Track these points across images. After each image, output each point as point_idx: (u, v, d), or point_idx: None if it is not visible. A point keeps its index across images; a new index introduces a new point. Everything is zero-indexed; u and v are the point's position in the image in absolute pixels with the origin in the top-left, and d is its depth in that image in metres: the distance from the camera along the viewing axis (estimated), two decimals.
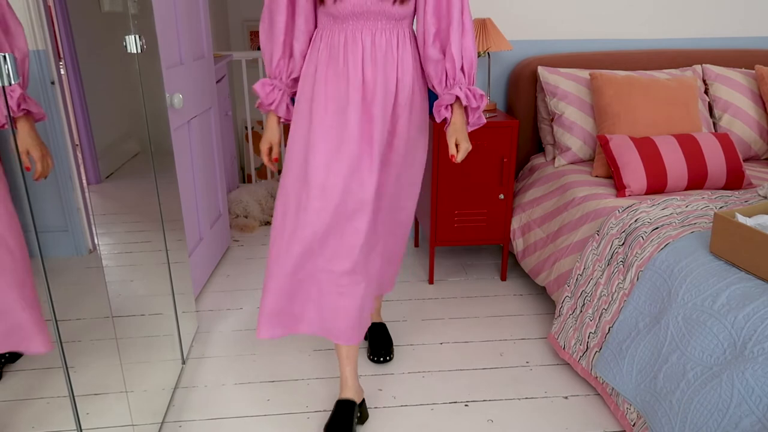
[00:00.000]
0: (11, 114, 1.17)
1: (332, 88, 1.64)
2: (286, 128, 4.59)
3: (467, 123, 1.72)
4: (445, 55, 1.67)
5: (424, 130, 1.81)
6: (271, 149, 1.81)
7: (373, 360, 2.12)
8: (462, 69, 1.66)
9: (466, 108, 1.71)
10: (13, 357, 1.80)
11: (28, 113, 1.23)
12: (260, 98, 1.75)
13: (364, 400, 1.85)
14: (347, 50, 1.62)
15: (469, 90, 1.66)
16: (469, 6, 1.67)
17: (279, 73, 1.74)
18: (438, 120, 1.73)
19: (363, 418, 1.83)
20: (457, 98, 1.67)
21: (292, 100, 1.80)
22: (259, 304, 1.86)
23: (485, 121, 1.75)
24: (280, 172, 4.29)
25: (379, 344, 2.13)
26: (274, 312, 1.73)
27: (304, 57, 1.72)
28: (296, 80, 1.75)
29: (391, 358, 2.13)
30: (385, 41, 1.62)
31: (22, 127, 1.24)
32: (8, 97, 1.12)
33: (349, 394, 1.81)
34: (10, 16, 1.19)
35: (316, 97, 1.65)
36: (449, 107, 1.70)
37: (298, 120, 1.70)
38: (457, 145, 1.69)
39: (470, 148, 1.70)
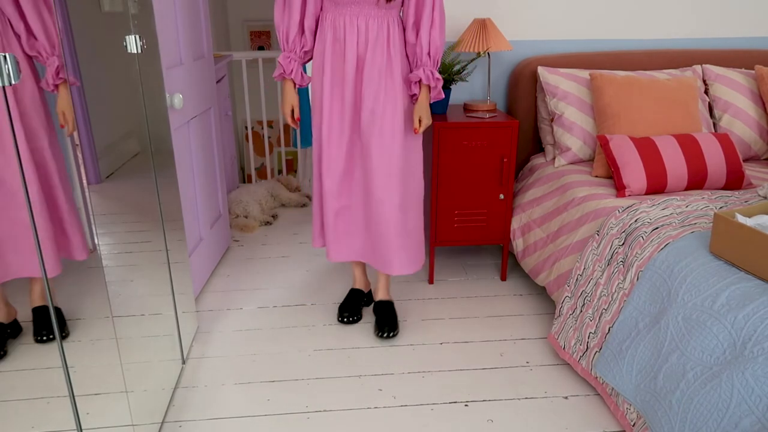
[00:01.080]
0: (53, 81, 1.47)
1: (335, 63, 2.03)
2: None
3: (429, 98, 2.10)
4: (416, 41, 2.04)
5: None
6: (292, 110, 2.14)
7: (378, 335, 2.24)
8: (428, 54, 2.03)
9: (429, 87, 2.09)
10: (15, 332, 1.82)
11: (65, 81, 1.48)
12: (282, 68, 2.07)
13: (370, 290, 2.47)
14: (346, 31, 1.99)
15: (431, 72, 2.04)
16: (441, 3, 2.02)
17: (294, 47, 2.07)
18: (409, 93, 2.10)
19: (368, 302, 2.47)
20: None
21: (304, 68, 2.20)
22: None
23: (443, 96, 2.15)
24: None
25: (384, 320, 2.26)
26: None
27: (313, 33, 2.07)
28: (306, 52, 2.10)
29: (396, 334, 2.25)
30: (377, 26, 1.98)
31: (62, 92, 1.48)
32: (48, 67, 1.42)
33: (358, 285, 2.44)
34: (44, 7, 1.46)
35: (326, 71, 2.04)
36: (417, 84, 2.07)
37: (315, 90, 2.11)
38: (420, 120, 2.09)
39: (430, 123, 2.11)
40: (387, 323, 2.25)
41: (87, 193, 1.60)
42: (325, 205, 2.17)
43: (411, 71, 2.09)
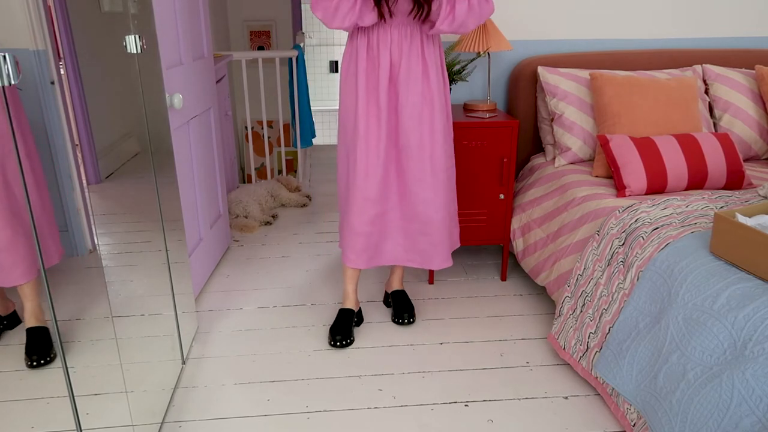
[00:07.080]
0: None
1: (369, 70, 2.04)
2: None
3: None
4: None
5: (450, 114, 2.17)
6: None
7: (396, 322, 2.36)
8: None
9: None
10: (12, 323, 1.81)
11: None
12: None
13: (360, 310, 2.39)
14: (379, 41, 2.01)
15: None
16: None
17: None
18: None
19: (359, 322, 2.38)
20: None
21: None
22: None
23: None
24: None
25: (401, 308, 2.37)
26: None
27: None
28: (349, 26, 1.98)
29: (413, 321, 2.36)
30: (410, 35, 2.00)
31: None
32: None
33: (349, 305, 2.33)
34: None
35: (359, 77, 2.04)
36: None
37: (349, 99, 2.11)
38: None
39: None
40: (406, 310, 2.37)
41: (87, 193, 1.60)
42: (360, 212, 2.13)
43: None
